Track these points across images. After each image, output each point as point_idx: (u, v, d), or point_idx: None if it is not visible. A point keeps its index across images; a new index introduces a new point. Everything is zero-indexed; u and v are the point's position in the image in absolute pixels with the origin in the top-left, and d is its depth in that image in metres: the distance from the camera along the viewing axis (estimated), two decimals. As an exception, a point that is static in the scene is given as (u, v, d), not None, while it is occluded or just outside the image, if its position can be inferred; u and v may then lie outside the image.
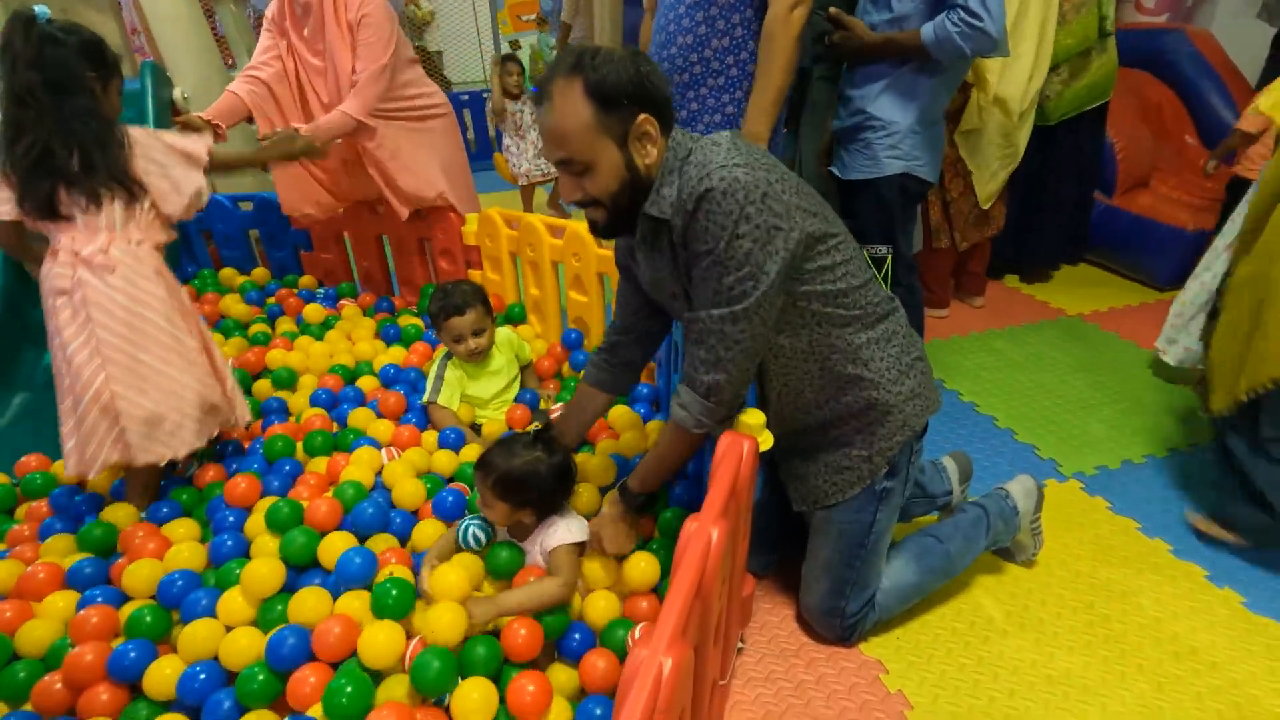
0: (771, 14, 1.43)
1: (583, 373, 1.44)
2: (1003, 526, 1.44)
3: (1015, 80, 2.33)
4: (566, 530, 1.25)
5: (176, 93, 2.34)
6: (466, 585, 1.17)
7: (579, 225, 1.98)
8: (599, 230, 1.11)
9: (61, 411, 1.44)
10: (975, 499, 1.47)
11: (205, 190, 1.53)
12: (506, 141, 3.86)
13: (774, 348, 1.12)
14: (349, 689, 1.01)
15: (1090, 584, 1.50)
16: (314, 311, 2.30)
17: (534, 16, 7.52)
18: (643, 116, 1.00)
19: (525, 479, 1.22)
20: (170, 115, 2.30)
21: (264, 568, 1.20)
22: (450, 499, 1.44)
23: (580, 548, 1.26)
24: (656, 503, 1.38)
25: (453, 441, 1.66)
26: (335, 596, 1.20)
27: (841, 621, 1.32)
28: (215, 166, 1.55)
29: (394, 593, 1.13)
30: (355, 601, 1.17)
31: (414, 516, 1.44)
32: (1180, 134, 3.18)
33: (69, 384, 1.41)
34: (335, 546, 1.27)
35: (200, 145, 1.53)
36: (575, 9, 4.74)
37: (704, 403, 1.08)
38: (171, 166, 1.47)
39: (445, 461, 1.60)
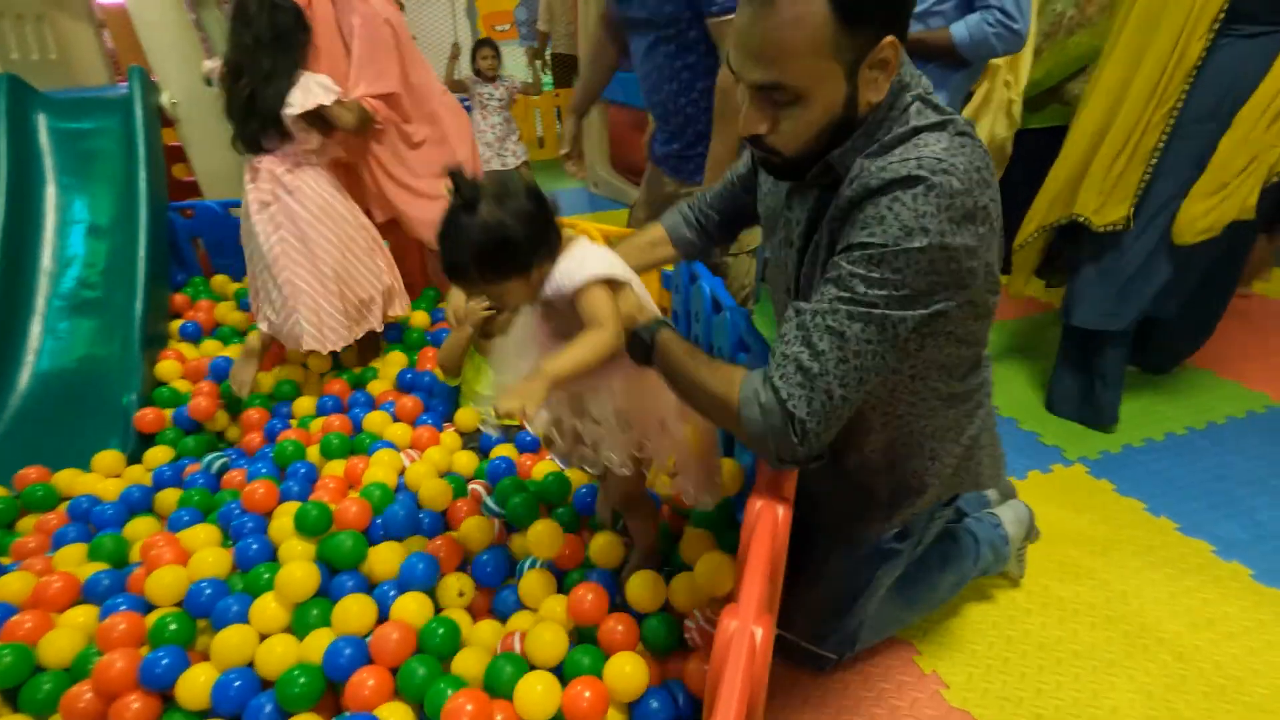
0: (724, 71, 1.45)
1: (663, 217, 1.23)
2: (992, 557, 1.38)
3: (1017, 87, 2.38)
4: (580, 265, 0.93)
5: (164, 98, 2.29)
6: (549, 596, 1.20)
7: (585, 225, 1.98)
8: (772, 169, 0.92)
9: (266, 297, 1.85)
10: (968, 524, 1.40)
11: (335, 112, 1.81)
12: (476, 116, 3.72)
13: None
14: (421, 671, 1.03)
15: (1105, 563, 1.54)
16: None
17: (508, 26, 7.54)
18: (889, 39, 0.77)
19: (504, 242, 0.89)
20: (159, 122, 2.26)
21: (299, 571, 1.17)
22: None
23: (609, 284, 0.95)
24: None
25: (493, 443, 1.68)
26: (388, 603, 1.18)
27: (818, 662, 1.26)
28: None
29: (440, 631, 1.12)
30: (412, 604, 1.15)
31: (441, 517, 1.41)
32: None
33: (268, 280, 1.80)
34: (382, 557, 1.25)
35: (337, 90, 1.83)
36: (550, 16, 4.76)
37: (778, 425, 0.81)
38: (310, 90, 1.78)
39: (465, 461, 1.59)
